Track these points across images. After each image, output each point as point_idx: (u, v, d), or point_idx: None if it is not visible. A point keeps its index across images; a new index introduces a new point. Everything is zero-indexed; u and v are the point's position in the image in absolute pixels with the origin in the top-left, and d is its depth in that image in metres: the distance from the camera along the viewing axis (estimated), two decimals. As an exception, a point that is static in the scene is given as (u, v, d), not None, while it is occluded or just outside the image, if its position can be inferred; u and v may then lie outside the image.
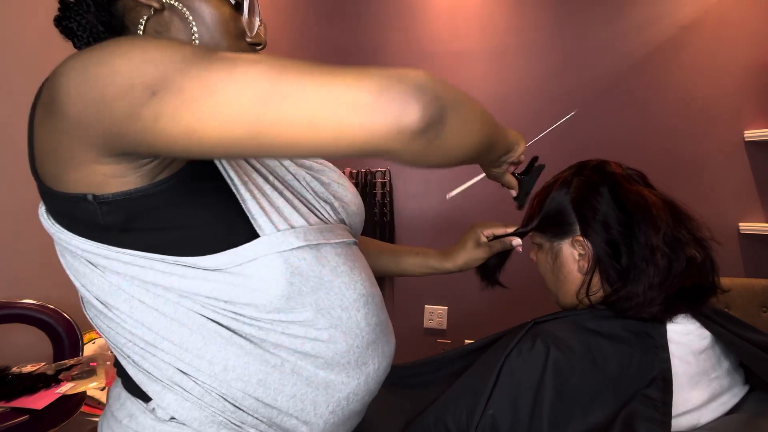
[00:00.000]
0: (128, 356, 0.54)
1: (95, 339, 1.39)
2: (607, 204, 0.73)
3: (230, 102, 0.38)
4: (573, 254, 0.77)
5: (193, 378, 0.52)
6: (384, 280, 2.14)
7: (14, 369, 1.16)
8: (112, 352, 0.58)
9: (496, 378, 0.68)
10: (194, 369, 0.52)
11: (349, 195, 0.69)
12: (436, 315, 2.39)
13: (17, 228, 1.30)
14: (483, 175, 0.76)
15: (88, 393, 1.13)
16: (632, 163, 0.80)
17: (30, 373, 1.14)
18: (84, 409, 1.10)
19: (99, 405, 1.15)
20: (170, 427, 0.53)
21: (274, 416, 0.54)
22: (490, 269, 0.90)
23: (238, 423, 0.53)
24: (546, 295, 0.85)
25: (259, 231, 0.52)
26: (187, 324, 0.52)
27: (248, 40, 0.59)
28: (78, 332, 1.30)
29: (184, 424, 0.53)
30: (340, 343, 0.56)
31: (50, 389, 1.09)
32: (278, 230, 0.53)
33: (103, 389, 1.16)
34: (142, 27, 0.54)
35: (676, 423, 0.64)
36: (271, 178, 0.60)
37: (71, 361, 1.21)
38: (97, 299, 0.53)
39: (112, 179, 0.46)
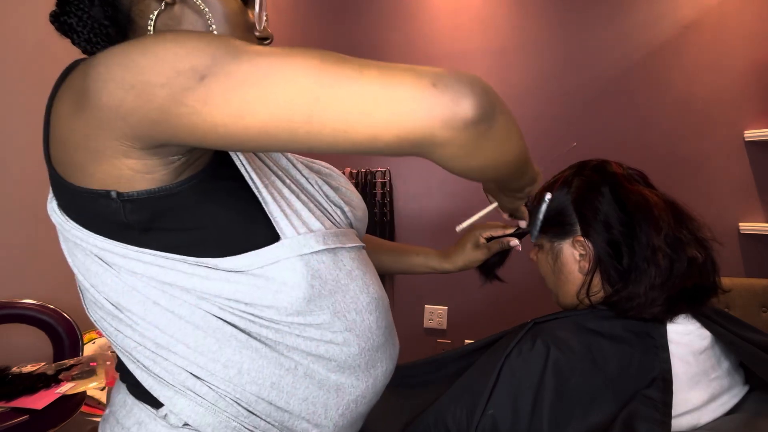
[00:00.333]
0: (138, 360, 0.53)
1: (95, 339, 1.39)
2: (608, 204, 0.73)
3: (284, 90, 0.38)
4: (574, 254, 0.76)
5: (207, 382, 0.52)
6: (384, 279, 2.14)
7: (14, 369, 1.16)
8: (117, 356, 0.57)
9: (496, 378, 0.68)
10: (208, 373, 0.51)
11: (356, 200, 0.69)
12: (436, 315, 2.39)
13: (17, 228, 1.30)
14: (494, 205, 0.76)
15: (88, 393, 1.13)
16: (632, 163, 0.80)
17: (30, 373, 1.14)
18: (84, 409, 1.10)
19: (99, 405, 1.16)
20: None
21: (286, 420, 0.54)
22: (490, 266, 0.90)
23: (251, 428, 0.52)
24: (546, 295, 0.85)
25: (280, 233, 0.52)
26: (203, 327, 0.51)
27: (257, 33, 0.58)
28: (78, 332, 1.30)
29: (197, 430, 0.52)
30: (353, 347, 0.56)
31: (50, 389, 1.09)
32: (298, 233, 0.53)
33: (103, 389, 1.16)
34: (152, 21, 0.52)
35: (676, 423, 0.64)
36: (287, 180, 0.60)
37: (71, 361, 1.21)
38: (108, 300, 0.52)
39: (139, 175, 0.45)
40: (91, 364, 1.20)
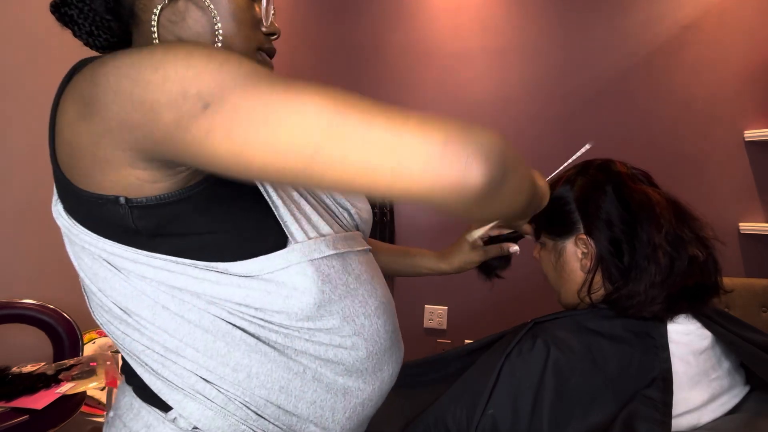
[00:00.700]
0: (146, 364, 0.52)
1: (95, 339, 1.39)
2: (611, 202, 0.73)
3: (289, 131, 0.37)
4: (576, 253, 0.77)
5: (216, 386, 0.51)
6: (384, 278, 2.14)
7: (14, 369, 1.16)
8: (122, 358, 0.57)
9: (496, 378, 0.68)
10: (217, 377, 0.51)
11: (360, 203, 0.68)
12: (436, 315, 2.39)
13: (17, 228, 1.30)
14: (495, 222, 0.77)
15: (88, 393, 1.13)
16: (632, 162, 0.80)
17: (30, 373, 1.14)
18: (84, 409, 1.10)
19: (99, 405, 1.16)
20: None
21: (294, 423, 0.54)
22: (493, 268, 0.89)
23: (260, 431, 0.52)
24: (546, 295, 0.85)
25: (290, 238, 0.52)
26: (212, 331, 0.51)
27: (263, 30, 0.57)
28: (78, 332, 1.31)
29: None
30: (361, 350, 0.56)
31: (50, 389, 1.09)
32: (309, 238, 0.52)
33: (103, 389, 1.16)
34: (156, 17, 0.51)
35: (676, 423, 0.64)
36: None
37: (71, 361, 1.22)
38: (116, 304, 0.51)
39: (147, 184, 0.45)
40: (91, 364, 1.20)
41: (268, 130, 0.37)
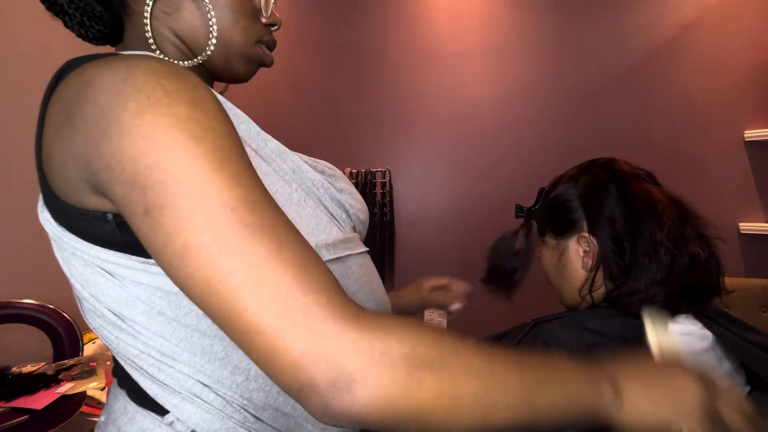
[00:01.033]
0: (141, 368, 0.51)
1: (95, 339, 1.39)
2: (615, 201, 0.73)
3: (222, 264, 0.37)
4: (578, 251, 0.77)
5: (214, 389, 0.51)
6: (385, 279, 2.14)
7: (14, 369, 1.16)
8: (115, 362, 0.55)
9: (496, 378, 0.67)
10: (215, 380, 0.51)
11: (358, 202, 0.67)
12: (435, 315, 2.38)
13: (17, 228, 1.30)
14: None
15: (88, 393, 1.13)
16: (632, 162, 0.80)
17: (30, 373, 1.14)
18: (84, 409, 1.10)
19: (99, 405, 1.15)
20: None
21: (292, 425, 0.53)
22: (500, 287, 0.91)
23: None
24: (546, 295, 0.85)
25: None
26: (210, 334, 0.50)
27: (263, 20, 0.56)
28: (78, 332, 1.31)
29: None
30: None
31: (50, 389, 1.09)
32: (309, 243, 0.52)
33: (103, 389, 1.16)
34: (149, 8, 0.50)
35: (676, 423, 0.64)
36: (294, 185, 0.57)
37: (71, 361, 1.22)
38: (110, 310, 0.50)
39: None
40: (91, 364, 1.20)
41: (179, 259, 0.37)
